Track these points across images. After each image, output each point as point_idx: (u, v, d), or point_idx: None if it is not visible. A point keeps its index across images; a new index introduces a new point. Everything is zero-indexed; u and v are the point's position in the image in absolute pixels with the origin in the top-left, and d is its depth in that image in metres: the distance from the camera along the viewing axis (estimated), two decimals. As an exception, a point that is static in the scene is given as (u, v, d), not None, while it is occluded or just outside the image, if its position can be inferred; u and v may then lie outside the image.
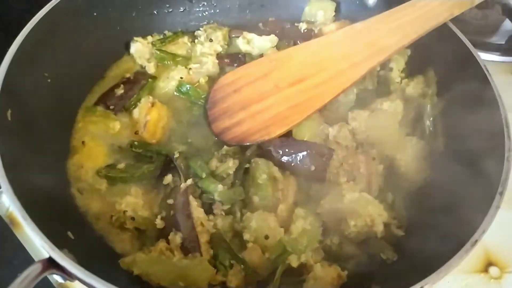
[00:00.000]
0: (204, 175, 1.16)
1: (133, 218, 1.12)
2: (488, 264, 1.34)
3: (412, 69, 1.39)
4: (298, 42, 1.48)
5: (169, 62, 1.44)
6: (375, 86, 1.40)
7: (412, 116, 1.33)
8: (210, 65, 1.42)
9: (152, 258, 1.03)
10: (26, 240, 1.30)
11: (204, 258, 1.05)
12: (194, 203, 1.11)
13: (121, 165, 1.20)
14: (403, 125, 1.30)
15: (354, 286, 1.07)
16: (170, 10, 1.52)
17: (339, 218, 1.11)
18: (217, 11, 1.57)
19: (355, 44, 1.27)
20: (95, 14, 1.33)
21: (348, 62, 1.26)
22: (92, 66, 1.36)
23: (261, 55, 1.46)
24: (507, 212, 1.04)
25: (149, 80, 1.38)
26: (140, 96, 1.34)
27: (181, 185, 1.14)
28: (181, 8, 1.54)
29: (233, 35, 1.52)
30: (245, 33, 1.50)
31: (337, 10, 1.54)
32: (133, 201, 1.13)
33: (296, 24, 1.54)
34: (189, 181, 1.14)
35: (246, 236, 1.09)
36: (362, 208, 1.09)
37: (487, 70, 1.18)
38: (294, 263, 1.05)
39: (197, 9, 1.55)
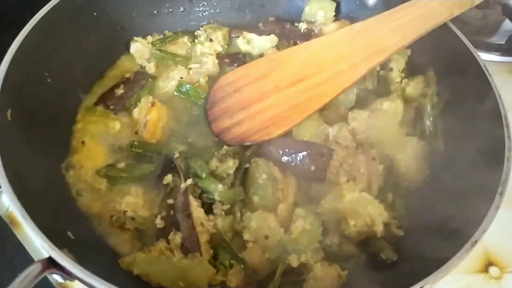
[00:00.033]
0: (204, 175, 1.16)
1: (133, 218, 1.12)
2: (488, 264, 1.34)
3: (412, 69, 1.39)
4: (298, 42, 1.48)
5: (169, 62, 1.45)
6: (375, 86, 1.40)
7: (412, 116, 1.33)
8: (210, 65, 1.42)
9: (152, 258, 1.03)
10: (26, 240, 1.30)
11: (204, 258, 1.05)
12: (194, 203, 1.11)
13: (121, 165, 1.20)
14: (403, 125, 1.30)
15: (354, 286, 1.07)
16: (170, 10, 1.52)
17: (339, 218, 1.12)
18: (217, 11, 1.57)
19: (355, 44, 1.27)
20: (95, 14, 1.33)
21: (348, 62, 1.26)
22: (92, 66, 1.36)
23: (261, 55, 1.46)
24: (507, 212, 1.04)
25: (149, 80, 1.38)
26: (140, 96, 1.34)
27: (181, 185, 1.14)
28: (181, 8, 1.54)
29: (233, 35, 1.52)
30: (245, 33, 1.50)
31: (337, 10, 1.53)
32: (133, 201, 1.13)
33: (296, 24, 1.54)
34: (189, 181, 1.14)
35: (246, 236, 1.09)
36: (362, 208, 1.09)
37: (487, 70, 1.17)
38: (294, 263, 1.05)
39: (197, 9, 1.55)
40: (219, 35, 1.48)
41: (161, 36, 1.50)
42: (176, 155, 1.19)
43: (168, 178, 1.18)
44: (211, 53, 1.44)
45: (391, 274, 1.07)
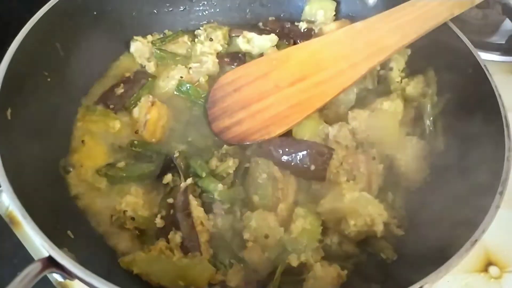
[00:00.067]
0: (204, 175, 1.16)
1: (133, 218, 1.12)
2: (488, 264, 1.34)
3: (412, 69, 1.39)
4: (298, 41, 1.48)
5: (169, 62, 1.45)
6: (375, 85, 1.40)
7: (412, 116, 1.33)
8: (210, 64, 1.42)
9: (152, 257, 1.03)
10: (26, 239, 1.30)
11: (204, 257, 1.05)
12: (194, 202, 1.11)
13: (121, 164, 1.20)
14: (403, 124, 1.30)
15: (353, 286, 1.07)
16: (170, 9, 1.52)
17: (339, 217, 1.11)
18: (217, 10, 1.57)
19: (355, 43, 1.27)
20: (95, 13, 1.33)
21: (348, 61, 1.25)
22: (92, 65, 1.36)
23: (261, 55, 1.46)
24: (507, 211, 1.04)
25: (149, 79, 1.38)
26: (140, 95, 1.34)
27: (181, 184, 1.14)
28: (181, 7, 1.54)
29: (233, 34, 1.52)
30: (245, 33, 1.49)
31: (337, 9, 1.54)
32: (133, 201, 1.13)
33: (296, 24, 1.54)
34: (189, 181, 1.14)
35: (246, 236, 1.09)
36: (362, 207, 1.09)
37: (487, 70, 1.17)
38: (294, 263, 1.05)
39: (197, 8, 1.55)
40: (219, 35, 1.48)
41: (161, 36, 1.50)
42: (176, 154, 1.19)
43: (168, 177, 1.18)
44: (211, 52, 1.44)
45: (391, 273, 1.07)
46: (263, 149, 1.23)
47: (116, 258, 1.05)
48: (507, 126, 1.08)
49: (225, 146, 1.23)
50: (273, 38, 1.47)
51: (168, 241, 1.07)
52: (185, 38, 1.50)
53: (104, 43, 1.38)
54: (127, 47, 1.45)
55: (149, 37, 1.47)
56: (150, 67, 1.43)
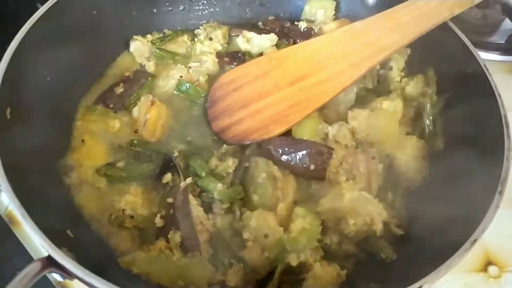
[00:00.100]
0: (203, 174, 1.16)
1: (132, 217, 1.12)
2: (488, 263, 1.34)
3: (412, 68, 1.39)
4: (298, 41, 1.48)
5: (168, 61, 1.44)
6: (375, 85, 1.40)
7: (412, 115, 1.33)
8: (210, 63, 1.42)
9: (152, 257, 1.03)
10: (25, 239, 1.30)
11: (203, 257, 1.05)
12: (193, 202, 1.11)
13: (121, 164, 1.20)
14: (402, 124, 1.30)
15: (353, 285, 1.07)
16: (170, 8, 1.52)
17: (339, 217, 1.11)
18: (217, 9, 1.57)
19: (355, 43, 1.27)
20: (94, 12, 1.33)
21: (348, 61, 1.26)
22: (92, 64, 1.36)
23: (261, 54, 1.46)
24: (506, 211, 1.04)
25: (149, 78, 1.38)
26: (140, 94, 1.33)
27: (181, 184, 1.14)
28: (181, 6, 1.53)
29: (233, 34, 1.52)
30: (245, 32, 1.49)
31: (337, 9, 1.54)
32: (133, 200, 1.13)
33: (296, 23, 1.54)
34: (189, 180, 1.14)
35: (246, 235, 1.09)
36: (362, 207, 1.09)
37: (487, 70, 1.17)
38: (294, 262, 1.05)
39: (197, 8, 1.55)
40: (218, 34, 1.48)
41: (161, 35, 1.50)
42: (176, 154, 1.20)
43: (168, 177, 1.18)
44: (211, 51, 1.44)
45: (390, 273, 1.07)
46: (262, 149, 1.23)
47: (115, 257, 1.04)
48: (507, 125, 1.08)
49: (224, 145, 1.23)
50: (272, 37, 1.47)
51: (167, 241, 1.07)
52: (185, 37, 1.50)
53: (103, 42, 1.38)
54: (127, 46, 1.45)
55: (149, 37, 1.47)
56: (150, 67, 1.43)
